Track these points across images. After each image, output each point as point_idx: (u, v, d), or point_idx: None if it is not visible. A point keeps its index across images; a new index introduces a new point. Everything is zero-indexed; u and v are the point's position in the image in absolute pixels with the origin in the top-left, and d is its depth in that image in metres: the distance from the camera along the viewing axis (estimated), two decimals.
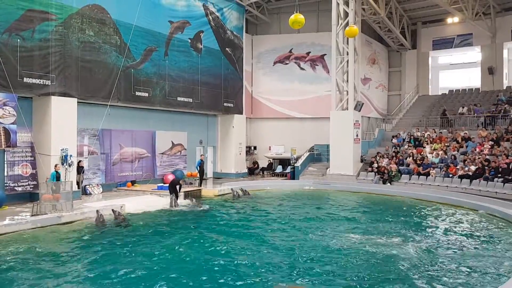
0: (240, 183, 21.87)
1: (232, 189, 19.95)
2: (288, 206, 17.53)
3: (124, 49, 19.23)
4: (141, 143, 21.81)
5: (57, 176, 15.57)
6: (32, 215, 13.12)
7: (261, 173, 28.51)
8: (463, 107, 27.58)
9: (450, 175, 20.85)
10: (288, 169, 26.89)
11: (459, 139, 24.01)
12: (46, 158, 16.24)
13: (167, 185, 17.71)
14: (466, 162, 21.18)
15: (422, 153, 23.74)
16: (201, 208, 16.25)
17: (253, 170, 28.61)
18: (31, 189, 16.21)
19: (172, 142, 23.67)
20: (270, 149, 28.82)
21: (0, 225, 11.87)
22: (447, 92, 32.30)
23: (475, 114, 26.46)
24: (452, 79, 33.88)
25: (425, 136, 25.65)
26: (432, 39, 32.39)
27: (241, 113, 27.27)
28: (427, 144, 24.76)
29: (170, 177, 17.56)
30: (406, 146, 25.40)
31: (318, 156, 27.45)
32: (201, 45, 23.92)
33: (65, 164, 16.46)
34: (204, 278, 8.41)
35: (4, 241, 11.06)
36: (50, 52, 16.25)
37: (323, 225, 13.63)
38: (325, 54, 28.42)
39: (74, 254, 10.11)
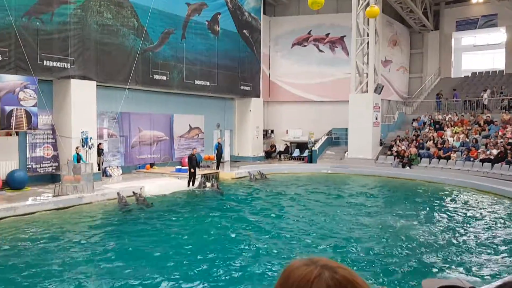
0: (257, 167, 21.89)
1: (249, 172, 20.00)
2: (305, 189, 17.51)
3: (142, 32, 19.22)
4: (159, 126, 21.94)
5: (78, 158, 15.81)
6: (54, 196, 13.38)
7: (278, 157, 28.45)
8: (485, 90, 26.95)
9: (471, 159, 20.48)
10: (306, 153, 26.76)
11: (481, 123, 23.51)
12: (67, 140, 16.48)
13: (186, 168, 17.87)
14: (488, 145, 20.75)
15: (443, 137, 23.35)
16: (219, 191, 16.35)
17: (270, 154, 28.58)
18: (53, 171, 16.51)
19: (190, 126, 23.76)
20: (287, 133, 28.69)
21: (23, 205, 12.15)
22: (469, 75, 31.54)
23: (455, 99, 27.01)
24: (476, 61, 33.06)
25: (447, 119, 25.19)
26: (455, 19, 31.53)
27: (259, 97, 27.14)
28: (448, 127, 24.32)
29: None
30: (426, 130, 24.99)
31: (336, 139, 27.21)
32: (218, 27, 23.76)
33: (85, 146, 16.68)
34: (227, 257, 8.48)
35: (27, 221, 11.32)
36: (69, 35, 16.34)
37: (341, 208, 13.59)
38: (345, 36, 27.89)
39: (98, 234, 10.31)
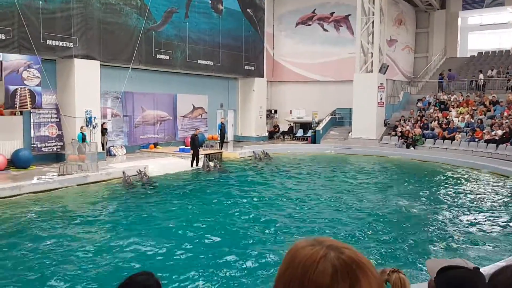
0: (260, 147, 21.90)
1: (254, 152, 20.05)
2: (309, 169, 17.55)
3: (145, 11, 19.03)
4: (162, 106, 21.91)
5: (83, 138, 15.85)
6: (59, 175, 13.47)
7: (281, 137, 28.44)
8: (492, 70, 26.69)
9: (476, 140, 20.42)
10: (309, 133, 26.73)
11: (487, 103, 23.37)
12: (71, 119, 16.50)
13: (189, 147, 17.92)
14: (493, 126, 20.66)
15: (448, 117, 23.24)
16: (223, 170, 16.42)
17: (273, 134, 28.57)
18: (57, 150, 16.57)
19: (193, 105, 23.71)
20: (291, 113, 28.61)
21: (29, 184, 12.25)
22: (476, 54, 31.19)
23: (447, 80, 27.25)
24: (482, 41, 32.63)
25: (452, 99, 25.04)
26: None
27: (262, 76, 26.98)
28: (453, 108, 24.19)
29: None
30: (431, 110, 24.87)
31: (340, 120, 27.12)
32: (221, 6, 23.49)
33: (89, 126, 16.70)
34: (232, 235, 8.55)
35: (32, 200, 11.42)
36: (72, 14, 16.19)
37: (344, 188, 13.64)
38: (350, 15, 27.51)
39: (103, 213, 10.41)
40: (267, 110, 28.49)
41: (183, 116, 23.08)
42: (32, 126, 15.99)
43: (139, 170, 14.59)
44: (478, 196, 12.56)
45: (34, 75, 15.14)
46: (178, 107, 22.70)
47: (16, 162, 14.79)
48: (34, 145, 15.99)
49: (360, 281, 0.88)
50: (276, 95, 30.03)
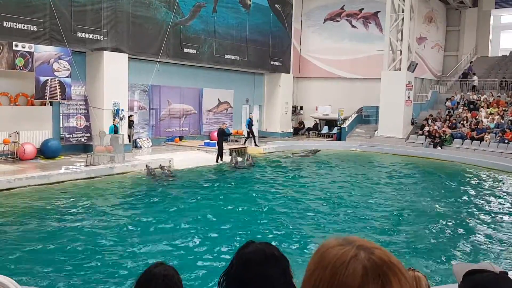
0: (285, 143, 21.81)
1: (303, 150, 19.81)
2: (333, 167, 17.43)
3: (174, 5, 19.18)
4: (188, 100, 22.07)
5: (115, 130, 16.06)
6: (86, 165, 13.74)
7: (306, 134, 28.28)
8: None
9: (506, 141, 19.85)
10: (335, 130, 26.49)
11: None
12: (99, 111, 16.79)
13: (215, 142, 17.99)
14: None
15: (477, 117, 22.66)
16: (252, 164, 16.48)
17: (298, 130, 28.44)
18: (85, 141, 16.90)
19: (219, 100, 23.79)
20: (316, 110, 28.40)
21: (57, 174, 12.53)
22: (508, 54, 30.28)
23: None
24: None
25: (482, 99, 24.40)
26: None
27: (288, 72, 26.86)
28: (483, 108, 23.58)
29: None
30: (460, 110, 24.30)
31: (367, 117, 26.75)
32: (249, 1, 23.45)
33: (117, 118, 16.95)
34: (257, 230, 8.57)
35: (61, 189, 11.69)
36: (102, 7, 16.45)
37: (369, 187, 13.50)
38: (379, 11, 27.07)
39: (126, 203, 10.58)
40: (293, 106, 28.36)
41: (209, 111, 23.20)
42: (61, 116, 16.35)
43: (160, 165, 14.64)
44: (506, 200, 12.23)
45: (64, 67, 15.46)
46: (204, 101, 22.82)
47: (45, 152, 15.14)
48: (63, 136, 16.35)
49: (391, 283, 0.85)
50: (302, 91, 29.84)
